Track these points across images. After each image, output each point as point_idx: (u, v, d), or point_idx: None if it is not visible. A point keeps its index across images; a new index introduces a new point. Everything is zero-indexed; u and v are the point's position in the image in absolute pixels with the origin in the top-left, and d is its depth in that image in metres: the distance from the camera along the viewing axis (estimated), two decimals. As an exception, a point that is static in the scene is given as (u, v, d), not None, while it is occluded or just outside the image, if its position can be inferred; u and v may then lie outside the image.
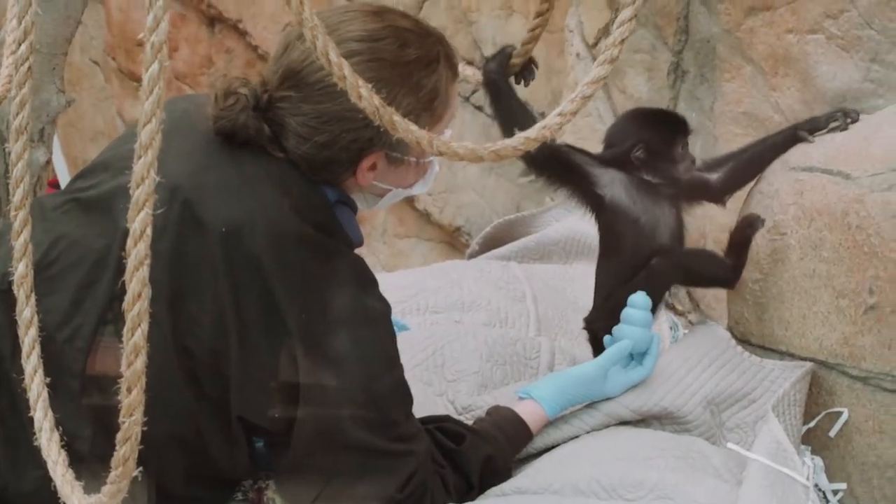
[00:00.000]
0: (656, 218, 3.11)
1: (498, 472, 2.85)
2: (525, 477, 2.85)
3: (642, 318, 3.01)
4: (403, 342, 2.98)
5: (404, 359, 2.79)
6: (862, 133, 3.01)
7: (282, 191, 2.64)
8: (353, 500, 2.67)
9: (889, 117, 3.00)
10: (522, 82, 3.18)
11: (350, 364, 2.62)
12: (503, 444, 2.87)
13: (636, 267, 3.11)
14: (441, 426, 2.84)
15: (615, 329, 3.05)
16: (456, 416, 3.05)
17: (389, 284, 3.73)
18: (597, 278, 3.23)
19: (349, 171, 2.71)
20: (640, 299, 3.03)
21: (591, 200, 3.15)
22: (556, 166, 3.12)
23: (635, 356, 3.01)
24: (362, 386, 2.63)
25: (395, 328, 2.79)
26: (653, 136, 3.12)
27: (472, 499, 2.81)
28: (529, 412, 2.93)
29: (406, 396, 2.74)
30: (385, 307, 2.71)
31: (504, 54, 3.14)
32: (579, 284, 3.70)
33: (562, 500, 2.74)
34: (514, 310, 3.66)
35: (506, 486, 2.83)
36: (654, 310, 3.08)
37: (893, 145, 2.91)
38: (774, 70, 3.48)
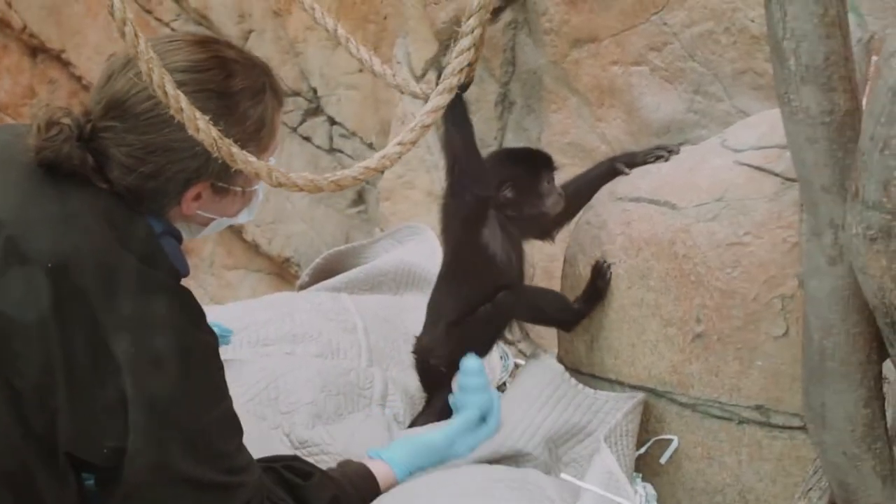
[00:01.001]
0: (508, 253, 3.13)
1: None
2: None
3: (481, 384, 3.04)
4: (235, 376, 2.95)
5: (237, 392, 2.76)
6: (687, 164, 3.06)
7: (107, 223, 2.59)
8: None
9: (713, 148, 3.05)
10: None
11: (178, 397, 2.58)
12: (350, 491, 2.86)
13: (481, 299, 3.13)
14: (289, 464, 2.82)
15: (456, 396, 3.08)
16: (293, 451, 3.02)
17: (219, 316, 3.69)
18: (435, 307, 3.24)
19: (174, 201, 2.67)
20: (473, 365, 3.06)
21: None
22: None
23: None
24: (191, 419, 2.59)
25: (217, 330, 2.77)
26: (518, 173, 3.14)
27: None
28: (379, 470, 2.92)
29: (235, 428, 2.71)
30: (213, 339, 2.68)
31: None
32: (410, 315, 3.70)
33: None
34: (345, 341, 3.65)
35: None
36: (490, 344, 3.11)
37: (718, 176, 2.96)
38: (600, 101, 3.53)
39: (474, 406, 3.02)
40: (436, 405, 3.27)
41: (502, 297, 3.13)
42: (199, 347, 2.64)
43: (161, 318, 2.52)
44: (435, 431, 3.03)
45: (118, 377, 2.50)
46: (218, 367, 2.69)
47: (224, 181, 2.67)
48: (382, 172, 2.78)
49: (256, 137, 2.68)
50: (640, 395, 3.01)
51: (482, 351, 3.20)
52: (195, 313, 2.66)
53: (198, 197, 2.68)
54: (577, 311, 3.14)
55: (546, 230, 3.28)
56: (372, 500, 2.90)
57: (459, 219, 3.12)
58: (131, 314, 2.53)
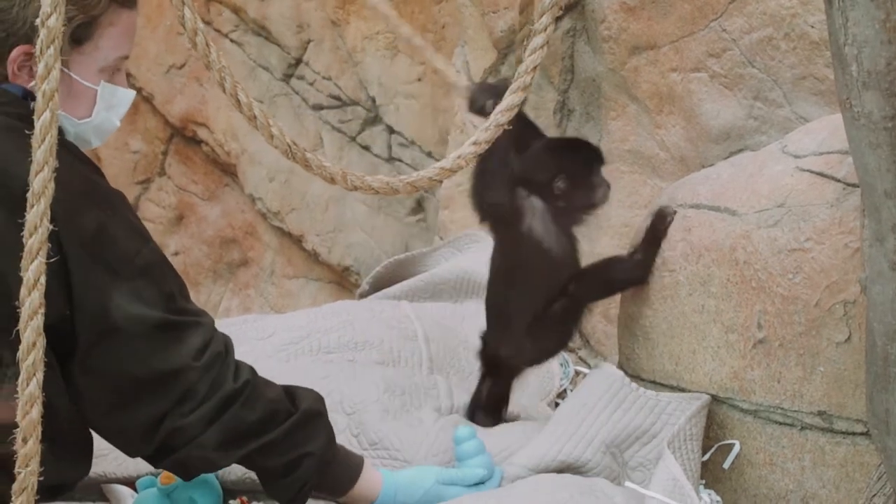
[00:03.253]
0: (563, 245, 3.14)
1: (312, 465, 2.79)
2: None
3: (478, 447, 3.03)
4: (300, 383, 2.97)
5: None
6: (747, 170, 3.06)
7: None
8: (150, 383, 2.63)
9: (773, 154, 3.05)
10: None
11: (107, 242, 2.58)
12: (334, 459, 2.85)
13: (550, 295, 3.14)
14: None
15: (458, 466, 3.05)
16: (361, 452, 3.03)
17: (281, 325, 3.72)
18: (498, 309, 3.26)
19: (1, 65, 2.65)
20: (465, 432, 3.05)
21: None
22: None
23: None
24: (125, 260, 2.60)
25: None
26: (572, 165, 3.15)
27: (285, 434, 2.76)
28: (370, 477, 2.91)
29: (173, 271, 2.71)
30: (116, 190, 2.68)
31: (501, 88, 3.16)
32: (470, 323, 3.71)
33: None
34: (406, 349, 3.66)
35: None
36: (570, 337, 3.16)
37: (778, 182, 2.96)
38: (659, 108, 3.53)
39: (479, 465, 3.00)
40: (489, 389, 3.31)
41: (574, 288, 3.15)
42: (104, 192, 2.65)
43: (64, 170, 2.40)
44: (440, 470, 3.00)
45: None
46: (134, 213, 2.71)
47: None
48: (456, 173, 2.79)
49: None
50: (705, 398, 3.00)
51: (563, 345, 3.27)
52: (92, 164, 2.66)
53: (28, 69, 2.64)
54: (641, 261, 3.14)
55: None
56: (343, 487, 2.88)
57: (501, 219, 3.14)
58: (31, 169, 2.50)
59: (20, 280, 2.33)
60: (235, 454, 2.72)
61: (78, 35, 2.65)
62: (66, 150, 2.58)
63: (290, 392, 2.80)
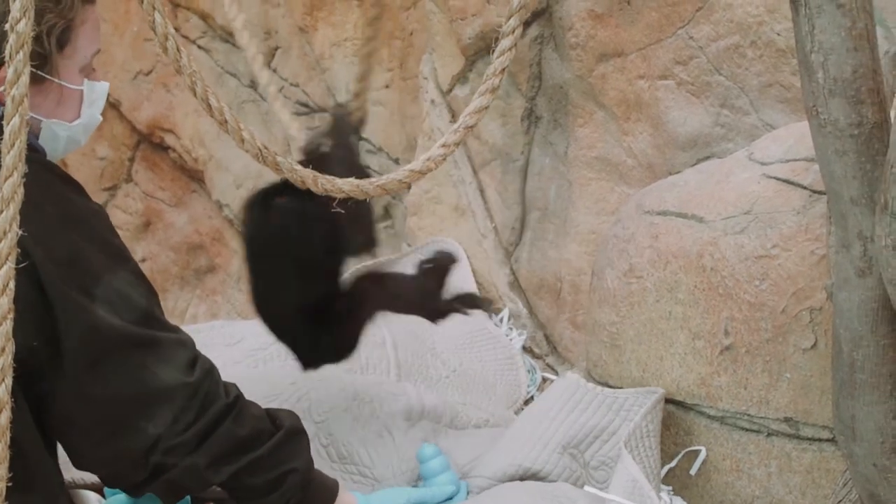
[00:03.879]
0: None
1: (296, 481, 2.77)
2: None
3: (443, 464, 3.05)
4: (266, 391, 2.96)
5: (267, 405, 2.79)
6: (714, 177, 3.07)
7: None
8: (144, 402, 2.60)
9: (740, 161, 3.06)
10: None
11: (82, 264, 2.55)
12: (314, 479, 2.83)
13: None
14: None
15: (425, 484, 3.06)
16: (330, 464, 3.03)
17: (249, 331, 3.71)
18: None
19: None
20: (429, 451, 3.07)
21: None
22: None
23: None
24: (103, 282, 2.57)
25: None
26: None
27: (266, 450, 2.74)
28: (346, 500, 2.88)
29: (151, 291, 2.69)
30: (98, 206, 2.66)
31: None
32: (438, 331, 3.71)
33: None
34: (374, 355, 3.66)
35: None
36: None
37: (744, 189, 2.97)
38: (626, 115, 3.54)
39: (446, 482, 3.02)
40: None
41: None
42: (81, 212, 2.61)
43: (39, 192, 2.40)
44: (411, 490, 3.01)
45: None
46: (113, 232, 2.67)
47: (42, 69, 2.59)
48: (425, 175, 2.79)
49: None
50: (660, 392, 3.01)
51: None
52: (73, 183, 2.63)
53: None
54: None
55: None
56: (324, 501, 2.86)
57: None
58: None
59: None
60: (226, 471, 2.69)
61: (61, 41, 2.64)
62: (45, 169, 2.57)
63: (270, 412, 2.80)
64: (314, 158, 3.09)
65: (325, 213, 2.88)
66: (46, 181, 2.51)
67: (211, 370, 2.69)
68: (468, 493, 3.00)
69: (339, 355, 3.22)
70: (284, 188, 2.96)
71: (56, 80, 2.61)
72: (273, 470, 2.74)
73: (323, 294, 3.11)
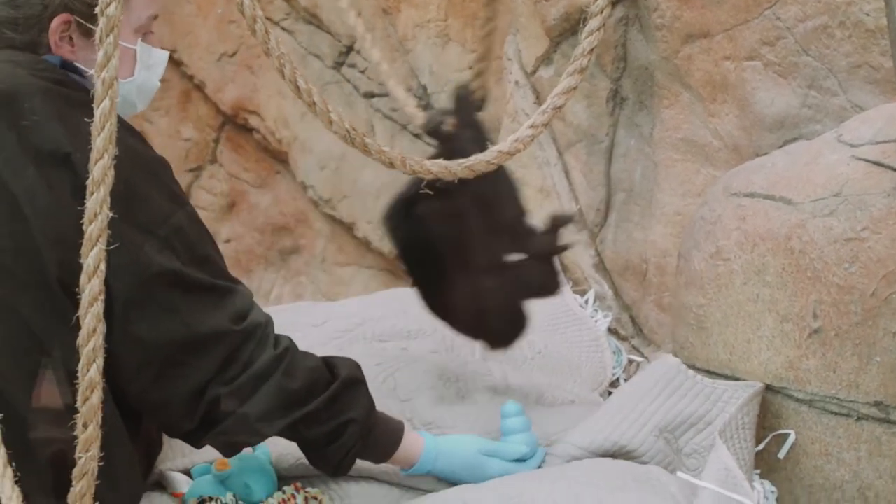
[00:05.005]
0: None
1: (355, 432, 2.78)
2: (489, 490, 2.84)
3: (524, 424, 3.06)
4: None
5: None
6: (802, 159, 3.05)
7: (11, 65, 2.61)
8: (191, 346, 2.61)
9: (828, 143, 3.04)
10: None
11: (141, 200, 2.57)
12: (376, 425, 2.84)
13: None
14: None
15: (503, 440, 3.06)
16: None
17: (334, 313, 3.73)
18: None
19: (43, 36, 2.66)
20: (512, 408, 3.07)
21: None
22: None
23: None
24: (160, 220, 2.59)
25: None
26: None
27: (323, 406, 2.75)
28: (412, 441, 2.92)
29: (210, 238, 2.70)
30: (159, 155, 2.68)
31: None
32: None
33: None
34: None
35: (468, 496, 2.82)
36: None
37: (833, 171, 2.95)
38: (712, 96, 3.51)
39: (523, 442, 3.01)
40: None
41: None
42: (141, 156, 2.63)
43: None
44: (482, 440, 3.02)
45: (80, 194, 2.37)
46: (173, 180, 2.69)
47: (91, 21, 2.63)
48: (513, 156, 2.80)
49: None
50: (759, 386, 2.99)
51: None
52: (133, 132, 2.65)
53: (69, 39, 2.67)
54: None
55: None
56: (385, 452, 2.89)
57: None
58: (69, 130, 2.52)
59: (52, 236, 2.40)
60: (279, 424, 2.70)
61: None
62: None
63: (328, 361, 2.80)
64: (442, 138, 3.11)
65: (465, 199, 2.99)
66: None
67: (263, 324, 2.69)
68: (543, 462, 2.99)
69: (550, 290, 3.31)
70: (411, 195, 3.01)
71: None
72: (330, 422, 2.74)
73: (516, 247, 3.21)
